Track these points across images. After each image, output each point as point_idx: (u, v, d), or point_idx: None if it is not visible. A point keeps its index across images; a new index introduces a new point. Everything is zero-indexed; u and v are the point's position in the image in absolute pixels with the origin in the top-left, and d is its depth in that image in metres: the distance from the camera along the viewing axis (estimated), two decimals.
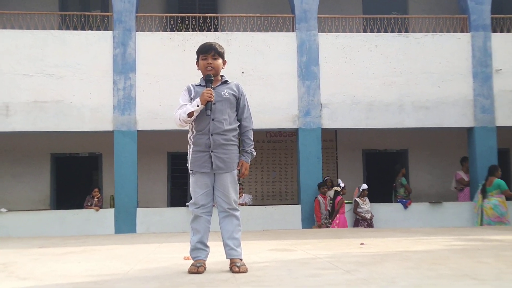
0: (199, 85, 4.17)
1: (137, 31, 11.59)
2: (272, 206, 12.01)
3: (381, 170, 14.23)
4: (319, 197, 11.18)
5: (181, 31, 11.95)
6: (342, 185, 11.25)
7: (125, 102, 11.31)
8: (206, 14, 12.20)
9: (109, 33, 11.53)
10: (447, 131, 12.70)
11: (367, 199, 11.42)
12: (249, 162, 4.16)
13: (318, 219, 11.11)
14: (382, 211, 11.56)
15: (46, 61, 11.26)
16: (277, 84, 11.64)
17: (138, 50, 11.50)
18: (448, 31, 12.23)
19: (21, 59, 11.21)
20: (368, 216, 11.23)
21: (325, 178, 11.83)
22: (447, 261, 4.49)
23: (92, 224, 11.10)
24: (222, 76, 4.23)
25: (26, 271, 4.36)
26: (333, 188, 11.31)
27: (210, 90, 3.97)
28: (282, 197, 13.97)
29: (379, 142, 13.97)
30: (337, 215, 11.03)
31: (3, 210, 11.27)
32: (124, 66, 11.38)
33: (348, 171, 13.91)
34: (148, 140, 12.36)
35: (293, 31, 11.96)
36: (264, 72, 11.63)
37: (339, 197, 11.09)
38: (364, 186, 11.57)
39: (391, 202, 12.35)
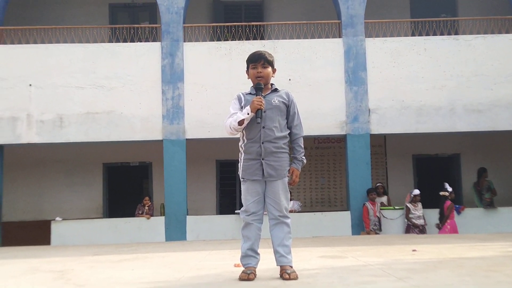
0: (249, 93, 4.20)
1: (184, 42, 11.77)
2: (321, 212, 11.94)
3: (433, 175, 13.96)
4: (368, 204, 11.06)
5: (227, 40, 12.08)
6: (450, 189, 11.07)
7: (174, 112, 11.48)
8: (252, 23, 12.27)
9: (157, 44, 11.75)
10: (501, 135, 12.35)
11: (419, 205, 11.20)
12: (300, 170, 4.15)
13: (366, 225, 10.98)
14: (434, 217, 11.30)
15: (98, 73, 11.55)
16: (325, 90, 11.59)
17: (186, 60, 11.66)
18: (500, 32, 11.92)
19: (74, 72, 11.54)
20: (419, 222, 11.01)
21: (377, 184, 11.70)
22: (504, 268, 4.36)
23: (144, 232, 11.28)
24: (272, 84, 4.25)
25: (83, 279, 4.46)
26: (440, 193, 11.09)
27: (260, 98, 3.99)
28: (331, 204, 13.87)
29: (430, 146, 13.71)
30: (448, 221, 10.86)
31: (58, 219, 11.59)
32: (172, 76, 11.56)
33: (398, 177, 13.71)
34: (197, 149, 12.49)
35: (339, 37, 11.89)
36: (311, 79, 11.60)
37: (448, 202, 10.91)
38: (416, 191, 11.37)
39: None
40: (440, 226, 10.94)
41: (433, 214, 11.33)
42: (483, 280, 3.73)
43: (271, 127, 4.05)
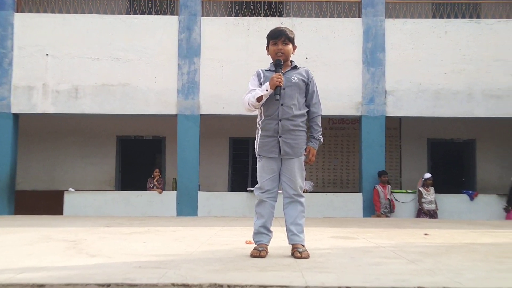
0: (269, 70, 4.15)
1: (202, 16, 11.68)
2: (333, 193, 11.93)
3: (447, 160, 13.87)
4: (378, 187, 11.01)
5: (245, 16, 11.97)
6: None
7: (189, 87, 11.44)
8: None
9: (175, 18, 11.67)
10: None
11: (431, 189, 11.14)
12: (316, 149, 4.12)
13: (377, 208, 10.95)
14: (448, 202, 11.26)
15: (114, 45, 11.52)
16: (341, 70, 11.48)
17: (203, 35, 11.58)
18: None
19: (90, 43, 11.51)
20: (430, 207, 10.96)
21: (429, 176, 11.47)
22: None
23: (155, 206, 11.34)
24: (292, 61, 4.20)
25: (95, 249, 4.49)
26: None
27: (280, 75, 3.95)
28: (343, 185, 13.85)
29: (446, 131, 13.59)
30: None
31: (71, 189, 11.69)
32: (188, 51, 11.50)
33: (412, 160, 13.64)
34: (211, 125, 12.49)
35: (359, 16, 11.74)
36: (329, 58, 11.49)
37: None
38: (427, 175, 11.31)
39: (458, 193, 11.91)
40: (509, 208, 10.87)
41: (447, 199, 11.30)
42: (496, 266, 3.70)
43: (290, 104, 4.01)
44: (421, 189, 11.15)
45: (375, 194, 10.98)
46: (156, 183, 11.95)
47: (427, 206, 10.99)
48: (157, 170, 12.18)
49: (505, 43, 11.43)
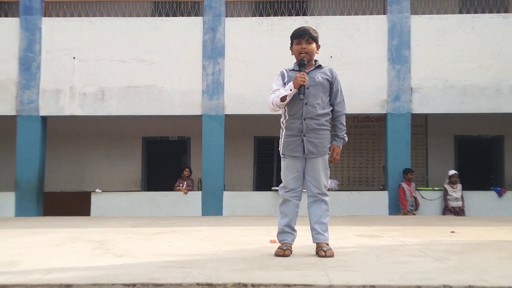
0: (293, 69, 4.16)
1: (226, 17, 11.71)
2: (358, 191, 11.85)
3: (475, 157, 13.68)
4: (403, 184, 10.90)
5: (269, 15, 11.97)
6: None
7: (214, 87, 11.49)
8: None
9: (199, 19, 11.73)
10: None
11: (458, 186, 11.00)
12: (341, 147, 4.11)
13: (403, 206, 10.85)
14: (475, 199, 11.10)
15: (140, 47, 11.63)
16: (366, 68, 11.41)
17: (227, 35, 11.62)
18: None
19: (116, 45, 11.64)
20: (456, 204, 10.82)
21: (453, 173, 11.31)
22: None
23: (181, 206, 11.41)
24: (316, 60, 4.19)
25: (121, 249, 4.55)
26: None
27: (304, 74, 3.95)
28: (369, 183, 13.76)
29: (473, 127, 13.40)
30: None
31: (98, 190, 11.83)
32: (213, 51, 11.55)
33: (438, 158, 13.49)
34: (236, 125, 12.52)
35: (384, 13, 11.65)
36: (353, 57, 11.42)
37: None
38: (451, 172, 11.18)
39: (486, 190, 11.74)
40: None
41: (474, 196, 11.13)
42: None
43: (314, 103, 4.01)
44: (446, 186, 11.03)
45: (400, 192, 10.88)
46: (184, 183, 11.99)
47: (452, 203, 10.87)
48: (187, 169, 12.24)
49: None
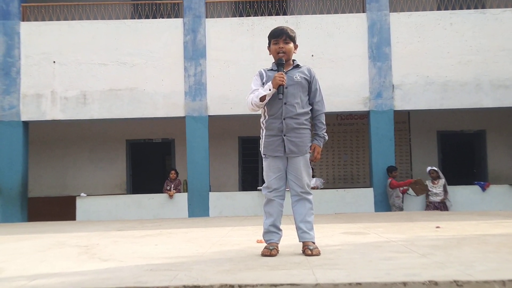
0: (271, 69, 4.16)
1: (206, 18, 11.71)
2: (343, 189, 11.90)
3: (458, 151, 13.81)
4: (392, 180, 11.01)
5: (250, 15, 11.98)
6: None
7: (196, 88, 11.48)
8: None
9: (179, 21, 11.71)
10: None
11: (440, 181, 11.08)
12: (322, 146, 4.12)
13: (407, 183, 11.09)
14: (459, 193, 11.21)
15: (120, 50, 11.59)
16: (348, 66, 11.47)
17: (208, 36, 11.61)
18: None
19: (97, 49, 11.58)
20: (436, 199, 10.93)
21: (429, 169, 11.47)
22: None
23: (167, 208, 11.39)
24: (293, 60, 4.19)
25: (107, 253, 4.52)
26: None
27: (282, 74, 3.95)
28: (354, 180, 13.83)
29: (455, 123, 13.53)
30: None
31: (83, 194, 11.75)
32: (194, 53, 11.54)
33: (422, 153, 13.60)
34: (219, 125, 12.52)
35: (363, 11, 11.73)
36: (334, 55, 11.48)
37: None
38: (428, 168, 11.30)
39: (470, 184, 11.86)
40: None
41: (458, 191, 11.23)
42: (507, 257, 3.68)
43: (293, 103, 4.01)
44: (428, 182, 11.15)
45: (393, 182, 10.96)
46: (170, 185, 11.93)
47: (432, 198, 10.99)
48: (173, 171, 12.17)
49: (511, 32, 11.35)
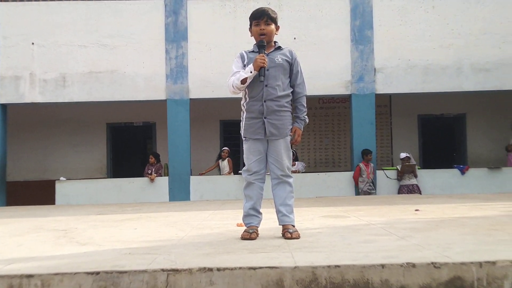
0: (252, 51, 4.11)
1: None
2: (325, 173, 11.94)
3: (438, 135, 13.91)
4: (361, 165, 11.10)
5: None
6: None
7: (178, 71, 11.38)
8: None
9: (160, 2, 11.56)
10: (508, 94, 12.21)
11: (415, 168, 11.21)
12: (302, 129, 4.11)
13: (356, 184, 11.13)
14: (439, 177, 11.32)
15: (100, 31, 11.43)
16: (330, 49, 11.45)
17: (190, 18, 11.50)
18: None
19: (76, 30, 11.41)
20: (409, 182, 11.05)
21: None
22: (505, 227, 4.35)
23: (147, 192, 11.34)
24: (275, 42, 4.15)
25: (86, 237, 4.48)
26: None
27: (263, 56, 3.91)
28: (335, 164, 13.88)
29: (436, 106, 13.62)
30: None
31: (62, 178, 11.65)
32: (176, 35, 11.42)
33: (403, 137, 13.68)
34: (201, 109, 12.46)
35: None
36: (317, 38, 11.45)
37: None
38: (402, 155, 11.42)
39: (450, 168, 11.97)
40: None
41: (438, 174, 11.34)
42: (484, 238, 3.72)
43: (274, 85, 3.98)
44: (398, 167, 11.28)
45: (356, 171, 11.08)
46: (152, 170, 11.85)
47: (405, 182, 11.10)
48: (151, 156, 12.06)
49: (493, 16, 11.42)
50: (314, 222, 5.12)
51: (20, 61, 11.35)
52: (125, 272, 2.86)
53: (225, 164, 12.03)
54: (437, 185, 11.19)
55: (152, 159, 11.91)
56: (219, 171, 12.12)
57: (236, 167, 13.13)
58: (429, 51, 11.41)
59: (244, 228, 4.07)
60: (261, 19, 4.03)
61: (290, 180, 4.06)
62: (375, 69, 11.42)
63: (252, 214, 4.04)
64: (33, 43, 11.38)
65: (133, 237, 4.42)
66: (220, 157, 12.15)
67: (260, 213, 4.09)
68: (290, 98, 4.09)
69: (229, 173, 11.85)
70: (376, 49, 11.43)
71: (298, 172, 11.43)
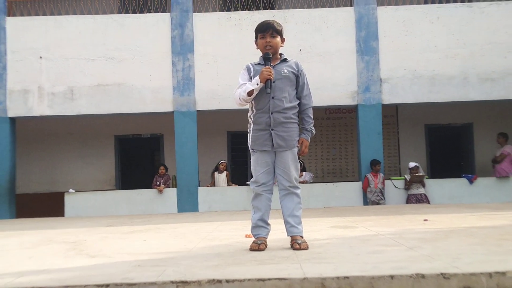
0: (258, 63, 4.15)
1: (194, 12, 11.66)
2: (332, 183, 11.93)
3: (445, 144, 13.88)
4: (369, 175, 11.05)
5: (237, 10, 11.95)
6: None
7: (184, 83, 11.44)
8: None
9: (167, 15, 11.65)
10: None
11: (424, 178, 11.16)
12: (309, 140, 4.13)
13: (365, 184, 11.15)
14: (447, 186, 11.27)
15: (108, 45, 11.51)
16: (336, 60, 11.48)
17: (196, 30, 11.57)
18: None
19: (84, 44, 11.50)
20: (417, 192, 11.00)
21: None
22: None
23: (156, 204, 11.36)
24: (281, 54, 4.19)
25: (96, 249, 4.51)
26: None
27: (270, 68, 3.95)
28: (343, 174, 13.87)
29: (442, 116, 13.60)
30: None
31: (71, 190, 11.69)
32: (182, 48, 11.49)
33: (410, 147, 13.66)
34: (208, 120, 12.49)
35: (351, 5, 11.74)
36: (322, 49, 11.49)
37: None
38: (411, 164, 11.36)
39: (458, 177, 11.91)
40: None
41: (447, 184, 11.29)
42: (494, 249, 3.71)
43: (281, 97, 4.02)
44: (407, 176, 11.24)
45: (364, 182, 11.05)
46: (160, 181, 11.86)
47: (413, 191, 11.06)
48: (162, 167, 12.07)
49: (498, 25, 11.42)
50: (323, 233, 5.13)
51: (29, 75, 11.44)
52: (135, 284, 2.88)
53: (222, 178, 11.97)
54: (446, 195, 11.15)
55: (162, 170, 11.93)
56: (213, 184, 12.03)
57: (244, 178, 13.15)
58: (435, 61, 11.42)
59: (253, 239, 4.08)
60: (267, 31, 4.07)
61: (298, 191, 4.08)
62: (381, 79, 11.44)
63: (261, 226, 4.06)
64: (41, 57, 11.48)
65: (142, 249, 4.45)
66: (216, 169, 12.10)
67: (269, 224, 4.11)
68: (297, 109, 4.11)
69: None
70: (381, 60, 11.45)
71: (306, 183, 11.43)
